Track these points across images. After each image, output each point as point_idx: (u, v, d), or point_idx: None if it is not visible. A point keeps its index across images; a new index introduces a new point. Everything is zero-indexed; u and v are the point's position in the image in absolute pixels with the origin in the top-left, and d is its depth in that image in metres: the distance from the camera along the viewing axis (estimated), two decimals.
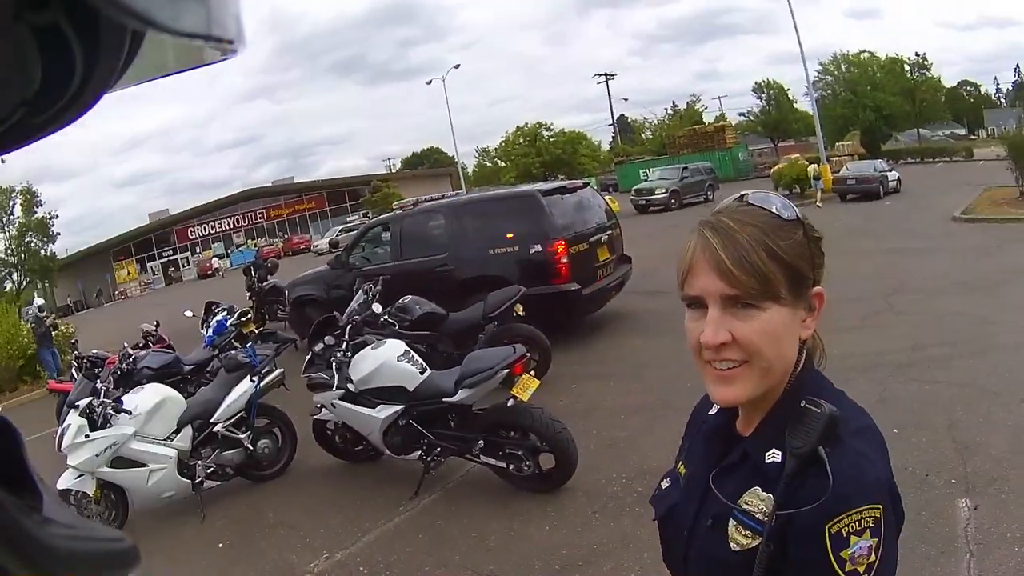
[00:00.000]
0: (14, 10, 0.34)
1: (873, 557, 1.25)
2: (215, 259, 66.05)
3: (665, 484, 1.72)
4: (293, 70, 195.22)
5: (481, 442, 6.55)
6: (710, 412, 1.65)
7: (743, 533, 1.39)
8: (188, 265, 70.77)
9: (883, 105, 64.65)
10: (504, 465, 6.47)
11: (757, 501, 1.38)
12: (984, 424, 6.40)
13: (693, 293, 1.39)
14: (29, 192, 53.61)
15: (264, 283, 18.86)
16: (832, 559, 1.24)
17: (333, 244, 18.44)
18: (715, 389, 1.41)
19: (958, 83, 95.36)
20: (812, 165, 32.68)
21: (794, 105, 73.76)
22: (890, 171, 32.83)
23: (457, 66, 63.41)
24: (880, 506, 1.27)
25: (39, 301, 16.67)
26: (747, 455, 1.46)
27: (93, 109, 0.42)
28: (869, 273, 13.71)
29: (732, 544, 1.41)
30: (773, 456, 1.39)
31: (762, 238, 1.34)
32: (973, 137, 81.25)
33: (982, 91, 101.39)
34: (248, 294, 18.99)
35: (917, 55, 69.50)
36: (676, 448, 1.79)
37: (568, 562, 5.26)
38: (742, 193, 1.47)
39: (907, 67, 68.85)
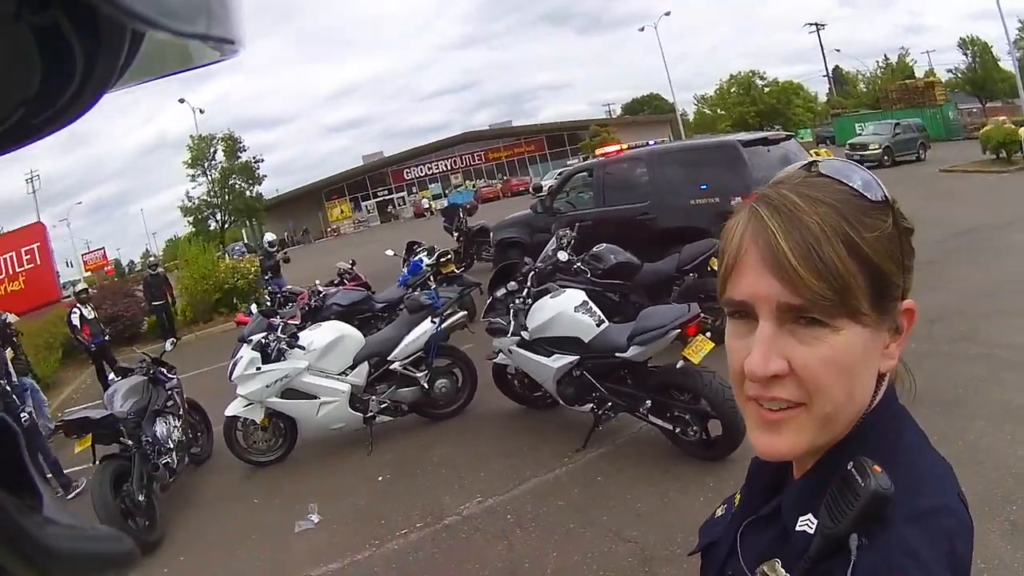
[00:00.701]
0: (14, 10, 0.34)
1: None
2: (424, 200, 67.64)
3: (720, 512, 1.36)
4: (505, 19, 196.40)
5: (649, 402, 6.33)
6: None
7: None
8: (405, 204, 72.94)
9: None
10: (671, 427, 6.25)
11: None
12: None
13: (739, 297, 1.01)
14: (231, 138, 56.71)
15: (470, 224, 19.15)
16: None
17: (536, 188, 18.41)
18: (758, 437, 1.03)
19: None
20: (1023, 128, 30.07)
21: (998, 63, 67.62)
22: None
23: (668, 13, 62.39)
24: None
25: (270, 236, 17.47)
26: (779, 512, 1.10)
27: (93, 109, 0.42)
28: None
29: None
30: (806, 523, 1.02)
31: (840, 224, 0.95)
32: None
33: None
34: (456, 235, 19.33)
35: None
36: None
37: None
38: (811, 159, 1.07)
39: None
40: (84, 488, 9.05)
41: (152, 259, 22.82)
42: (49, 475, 9.23)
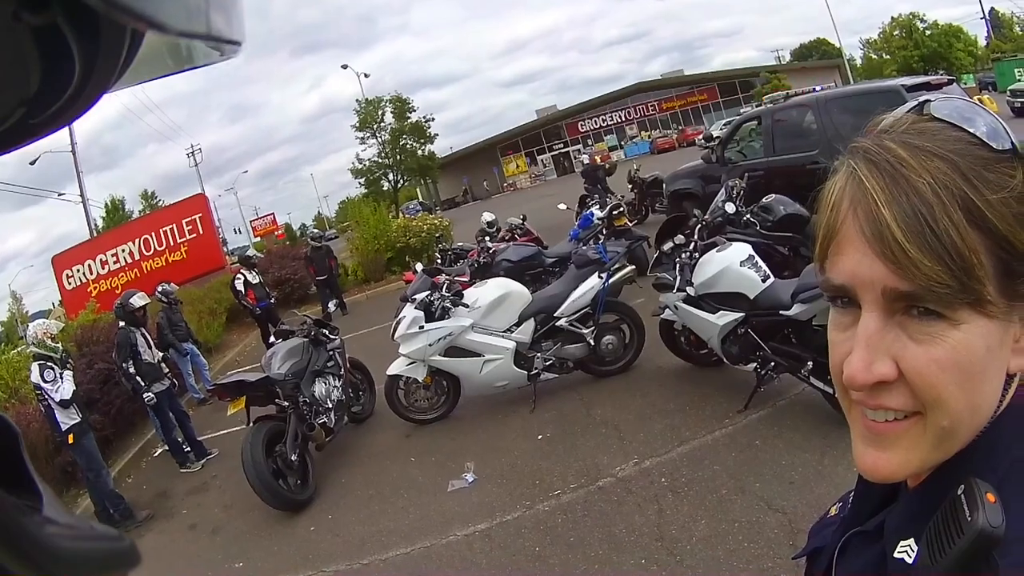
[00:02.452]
0: (14, 10, 0.34)
1: None
2: (585, 156, 66.99)
3: (834, 511, 1.17)
4: None
5: (811, 363, 6.10)
6: None
7: None
8: (580, 157, 72.19)
9: None
10: (831, 391, 5.95)
11: None
12: None
13: (838, 281, 0.83)
14: (399, 100, 57.61)
15: (644, 176, 19.07)
16: None
17: (707, 138, 18.00)
18: (862, 451, 0.86)
19: None
20: None
21: None
22: None
23: None
24: None
25: (488, 216, 16.40)
26: (882, 531, 0.92)
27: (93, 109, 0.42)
28: None
29: None
30: (906, 551, 0.85)
31: (957, 184, 0.75)
32: None
33: None
34: (630, 186, 19.32)
35: None
36: None
37: None
38: (922, 99, 0.86)
39: None
40: (216, 456, 9.74)
41: (315, 231, 23.00)
42: (187, 448, 9.86)
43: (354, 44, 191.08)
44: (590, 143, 72.59)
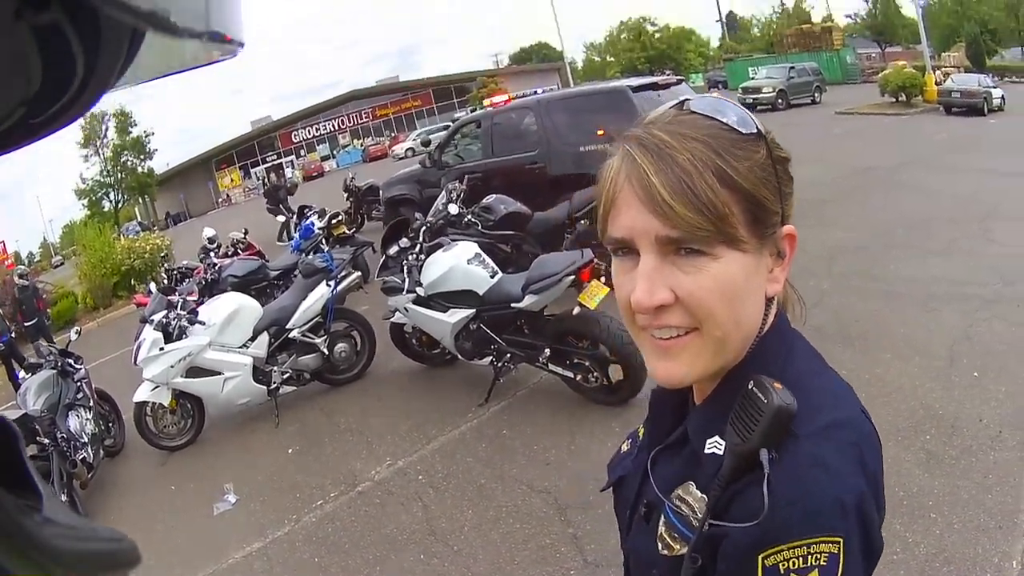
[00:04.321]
0: (15, 9, 0.33)
1: None
2: (288, 170, 64.66)
3: (625, 447, 1.40)
4: None
5: (548, 350, 6.37)
6: None
7: (672, 536, 1.09)
8: (293, 168, 70.89)
9: (988, 19, 60.11)
10: (571, 375, 6.29)
11: (692, 500, 1.07)
12: None
13: (618, 235, 1.04)
14: (123, 114, 55.45)
15: (359, 184, 19.08)
16: None
17: (425, 143, 18.06)
18: (654, 364, 1.07)
19: None
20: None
21: (900, 11, 68.57)
22: (994, 87, 30.12)
23: None
24: (840, 538, 0.92)
25: (209, 232, 15.62)
26: (687, 437, 1.14)
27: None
28: (966, 192, 12.56)
29: (660, 544, 1.11)
30: (714, 445, 1.06)
31: (711, 158, 0.98)
32: None
33: None
34: (345, 195, 19.29)
35: None
36: None
37: None
38: (682, 99, 1.09)
39: None
40: None
41: (21, 268, 20.20)
42: None
43: None
44: (303, 153, 71.88)
